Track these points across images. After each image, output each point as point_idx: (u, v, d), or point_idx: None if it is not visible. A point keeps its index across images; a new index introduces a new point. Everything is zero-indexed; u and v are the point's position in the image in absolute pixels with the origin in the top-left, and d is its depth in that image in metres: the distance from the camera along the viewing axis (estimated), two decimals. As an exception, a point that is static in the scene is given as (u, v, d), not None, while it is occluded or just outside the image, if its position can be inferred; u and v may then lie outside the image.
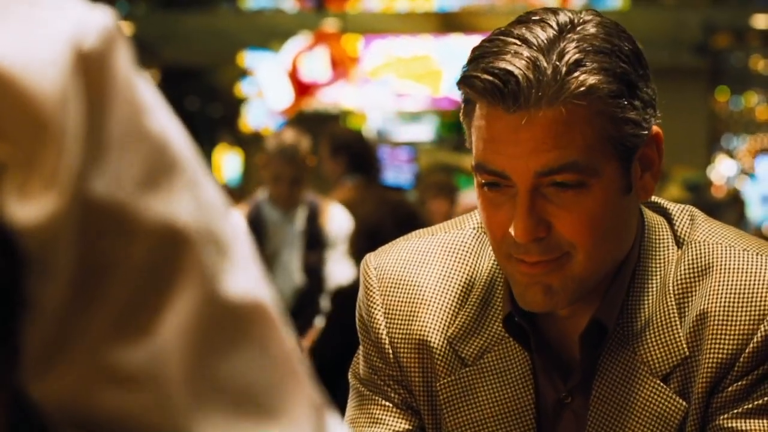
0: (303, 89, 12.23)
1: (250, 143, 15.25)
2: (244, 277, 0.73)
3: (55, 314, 0.67)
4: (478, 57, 1.51)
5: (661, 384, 1.56)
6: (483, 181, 1.53)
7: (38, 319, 0.66)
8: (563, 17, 1.51)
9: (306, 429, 0.74)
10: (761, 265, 1.57)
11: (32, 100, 0.64)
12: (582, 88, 1.46)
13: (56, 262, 0.66)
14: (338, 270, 4.91)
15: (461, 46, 12.58)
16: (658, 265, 1.60)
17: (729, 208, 11.16)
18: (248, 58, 14.05)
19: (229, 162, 16.77)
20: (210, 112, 16.80)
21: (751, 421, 1.53)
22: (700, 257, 1.59)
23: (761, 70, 14.08)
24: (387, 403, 1.67)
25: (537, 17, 1.52)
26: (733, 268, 1.57)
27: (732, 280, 1.56)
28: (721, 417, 1.54)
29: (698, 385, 1.55)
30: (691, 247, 1.60)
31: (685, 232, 1.63)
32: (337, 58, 12.15)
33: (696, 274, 1.58)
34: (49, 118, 0.64)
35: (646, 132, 1.53)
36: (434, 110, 14.13)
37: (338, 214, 5.08)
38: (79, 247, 0.66)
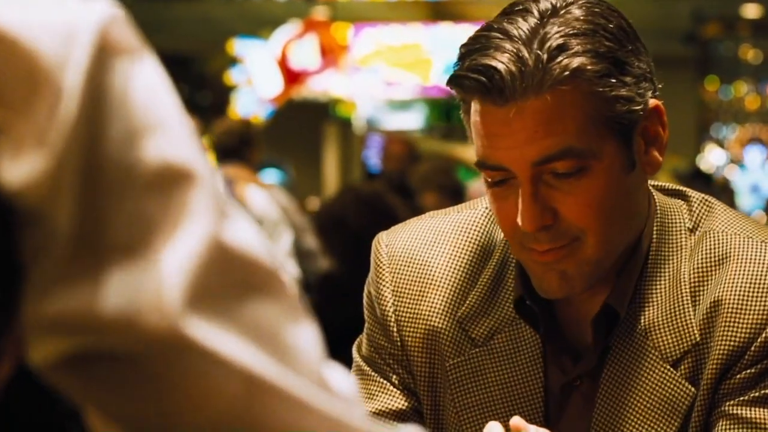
0: (292, 77, 12.21)
1: (240, 131, 15.22)
2: (248, 231, 0.75)
3: (57, 272, 0.69)
4: (463, 55, 1.52)
5: (671, 369, 1.56)
6: (488, 177, 1.54)
7: (39, 276, 0.69)
8: (544, 4, 1.52)
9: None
10: None
11: (30, 59, 0.67)
12: (566, 73, 1.47)
13: (53, 220, 0.68)
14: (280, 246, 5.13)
15: (451, 34, 12.56)
16: (671, 251, 1.60)
17: (718, 198, 11.17)
18: (238, 46, 14.01)
19: (219, 150, 16.72)
20: (199, 100, 16.77)
21: (757, 409, 1.54)
22: (718, 247, 1.59)
23: (751, 59, 14.09)
24: (385, 382, 1.68)
25: (519, 7, 1.52)
26: (751, 259, 1.57)
27: (748, 270, 1.56)
28: (728, 403, 1.54)
29: (708, 371, 1.55)
30: (709, 236, 1.60)
31: (701, 218, 1.63)
32: (327, 46, 12.13)
33: (713, 264, 1.58)
34: (45, 78, 0.67)
35: (642, 107, 1.52)
36: (424, 98, 14.12)
37: (256, 193, 5.23)
38: (78, 206, 0.69)
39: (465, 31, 13.02)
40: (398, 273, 1.68)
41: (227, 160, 5.69)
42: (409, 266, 1.68)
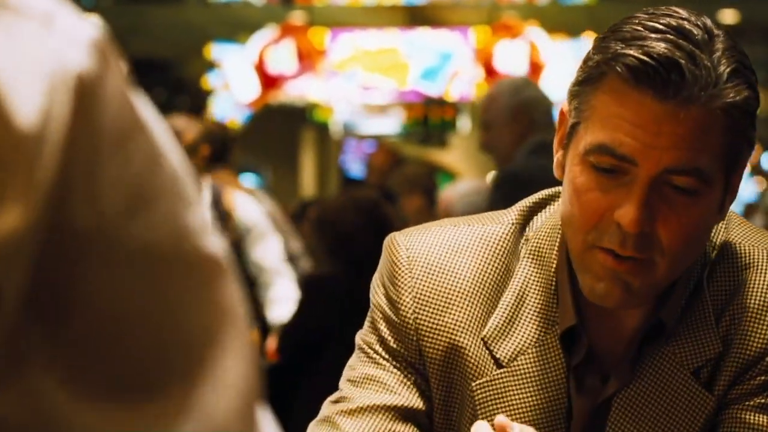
0: (270, 82, 12.21)
1: (217, 136, 15.16)
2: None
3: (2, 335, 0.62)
4: (630, 37, 1.45)
5: (692, 378, 1.56)
6: (600, 163, 1.47)
7: None
8: (696, 29, 1.46)
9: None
10: None
11: (9, 116, 0.60)
12: (738, 98, 1.44)
13: (9, 278, 0.61)
14: (268, 255, 5.11)
15: (428, 39, 12.58)
16: (695, 263, 1.59)
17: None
18: (215, 51, 14.00)
19: (196, 154, 16.71)
20: (177, 104, 16.72)
21: (761, 415, 1.54)
22: (737, 259, 1.59)
23: (726, 65, 14.16)
24: (406, 380, 1.61)
25: (679, 15, 1.46)
26: None
27: (766, 281, 1.57)
28: (735, 406, 1.55)
29: (723, 378, 1.55)
30: (728, 249, 1.60)
31: (719, 229, 1.62)
32: (304, 50, 12.13)
33: (733, 275, 1.59)
34: (25, 136, 0.60)
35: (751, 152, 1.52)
36: (401, 103, 14.13)
37: (244, 200, 5.19)
38: (42, 270, 0.63)
39: (442, 36, 12.88)
40: (420, 278, 1.60)
41: (212, 166, 5.56)
42: (432, 273, 1.60)
